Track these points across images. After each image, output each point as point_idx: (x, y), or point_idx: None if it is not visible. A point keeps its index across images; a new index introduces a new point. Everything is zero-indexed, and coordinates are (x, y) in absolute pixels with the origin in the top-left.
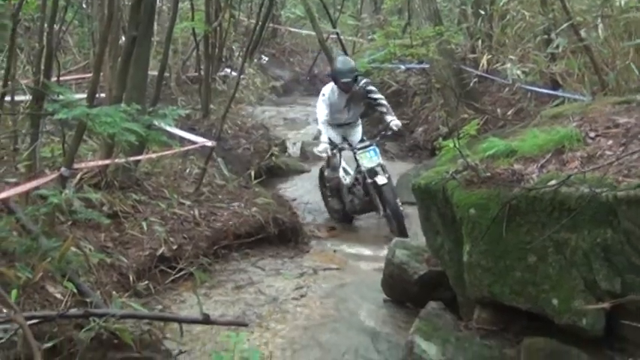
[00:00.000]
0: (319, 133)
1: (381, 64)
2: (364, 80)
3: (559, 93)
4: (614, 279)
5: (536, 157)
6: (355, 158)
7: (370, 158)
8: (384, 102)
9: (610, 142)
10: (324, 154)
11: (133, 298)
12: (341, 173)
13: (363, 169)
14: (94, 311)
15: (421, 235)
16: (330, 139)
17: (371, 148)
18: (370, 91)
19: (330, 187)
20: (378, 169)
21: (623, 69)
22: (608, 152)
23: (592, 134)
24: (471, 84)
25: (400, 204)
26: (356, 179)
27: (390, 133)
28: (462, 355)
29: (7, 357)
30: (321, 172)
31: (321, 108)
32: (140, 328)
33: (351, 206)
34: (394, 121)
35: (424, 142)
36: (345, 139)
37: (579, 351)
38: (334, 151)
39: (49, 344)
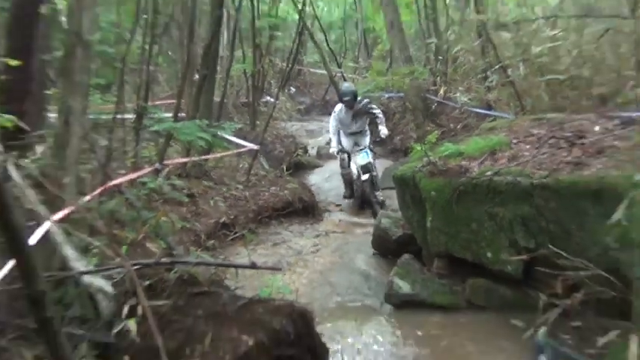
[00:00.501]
0: (330, 140)
1: (371, 93)
2: (365, 100)
3: (492, 113)
4: (529, 239)
5: (477, 156)
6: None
7: (362, 158)
8: (380, 115)
9: (527, 146)
10: (334, 153)
11: (204, 251)
12: (353, 169)
13: (357, 165)
14: (178, 260)
15: (398, 209)
16: (342, 144)
17: (364, 150)
18: (371, 108)
19: (343, 179)
20: (369, 165)
21: (536, 97)
22: (526, 153)
23: (515, 141)
24: (433, 107)
25: (379, 194)
26: (357, 173)
27: (378, 139)
28: (425, 290)
29: (120, 291)
30: None
31: (331, 122)
32: (209, 272)
33: (357, 193)
34: (382, 130)
35: (400, 146)
36: (356, 144)
37: (505, 288)
38: (340, 154)
39: (148, 282)
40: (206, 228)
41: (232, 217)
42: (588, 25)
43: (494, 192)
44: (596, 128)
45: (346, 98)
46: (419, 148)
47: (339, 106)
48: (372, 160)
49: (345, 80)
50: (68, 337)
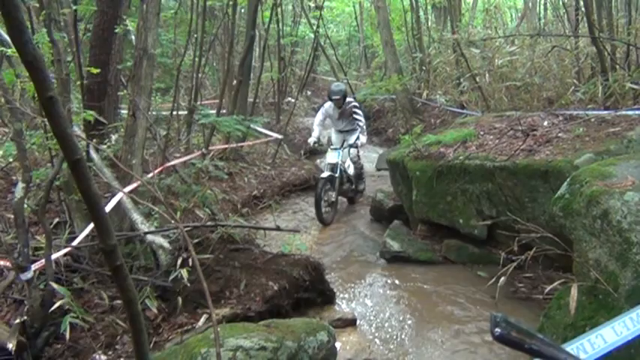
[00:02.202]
0: (312, 130)
1: (370, 96)
2: (353, 103)
3: (464, 111)
4: (492, 209)
5: (452, 144)
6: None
7: (332, 157)
8: (362, 124)
9: (491, 137)
10: (310, 144)
11: (240, 217)
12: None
13: (325, 162)
14: (220, 223)
15: (390, 185)
16: (332, 141)
17: (338, 150)
18: (355, 112)
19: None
20: (334, 164)
21: (498, 99)
22: (490, 142)
23: (481, 132)
24: (418, 106)
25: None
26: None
27: (355, 146)
28: (411, 248)
29: (175, 247)
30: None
31: (318, 115)
32: (243, 232)
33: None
34: (359, 140)
35: (392, 136)
36: (345, 140)
37: (473, 247)
38: (316, 146)
39: (196, 240)
40: (241, 199)
41: (262, 190)
42: (539, 44)
43: (465, 172)
44: (545, 123)
45: (335, 97)
46: (407, 137)
47: (329, 103)
48: (340, 162)
49: (350, 87)
50: (135, 282)
